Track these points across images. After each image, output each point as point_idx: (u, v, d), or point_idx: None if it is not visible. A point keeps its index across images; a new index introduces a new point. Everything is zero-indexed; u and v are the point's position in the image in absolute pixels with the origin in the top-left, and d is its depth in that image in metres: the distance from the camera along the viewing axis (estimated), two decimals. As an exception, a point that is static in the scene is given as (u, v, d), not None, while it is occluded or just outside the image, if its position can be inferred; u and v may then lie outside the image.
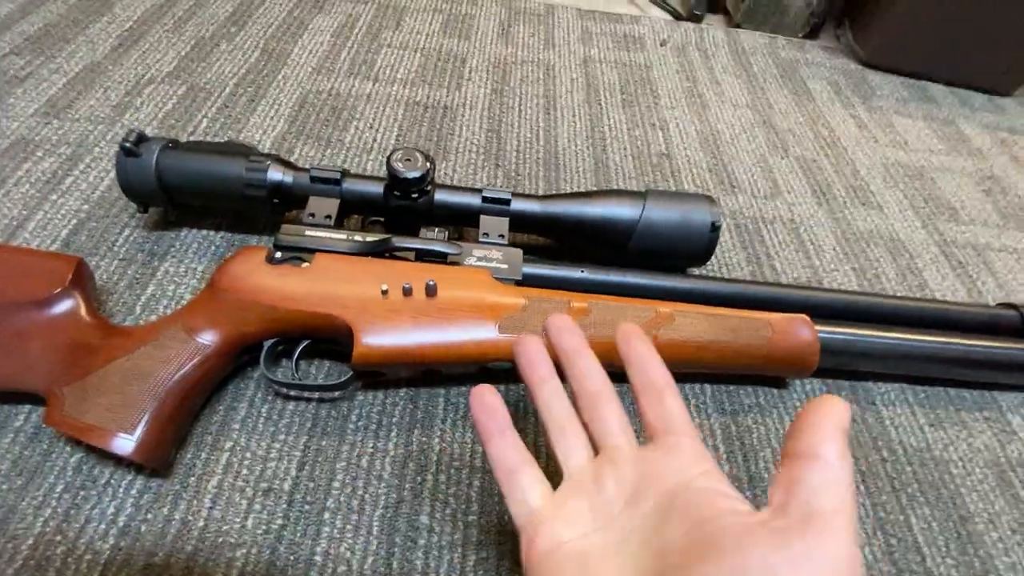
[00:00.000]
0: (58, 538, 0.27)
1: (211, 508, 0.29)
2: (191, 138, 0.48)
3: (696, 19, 0.77)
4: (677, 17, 0.77)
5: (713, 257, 0.46)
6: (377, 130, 0.52)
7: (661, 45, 0.71)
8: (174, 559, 0.27)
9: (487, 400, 0.25)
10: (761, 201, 0.52)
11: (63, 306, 0.31)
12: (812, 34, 0.79)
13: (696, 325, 0.35)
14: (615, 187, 0.51)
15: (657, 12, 0.78)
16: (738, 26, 0.78)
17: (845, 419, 0.19)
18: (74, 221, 0.40)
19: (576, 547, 0.21)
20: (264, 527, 0.28)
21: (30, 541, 0.27)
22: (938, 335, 0.39)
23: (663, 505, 0.20)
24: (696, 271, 0.44)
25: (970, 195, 0.58)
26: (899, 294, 0.46)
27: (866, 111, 0.67)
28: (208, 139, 0.48)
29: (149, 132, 0.45)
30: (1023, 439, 0.38)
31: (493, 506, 0.31)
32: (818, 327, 0.36)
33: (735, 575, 0.17)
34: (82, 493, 0.29)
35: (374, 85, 0.57)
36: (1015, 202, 0.59)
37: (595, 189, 0.48)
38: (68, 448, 0.30)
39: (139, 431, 0.28)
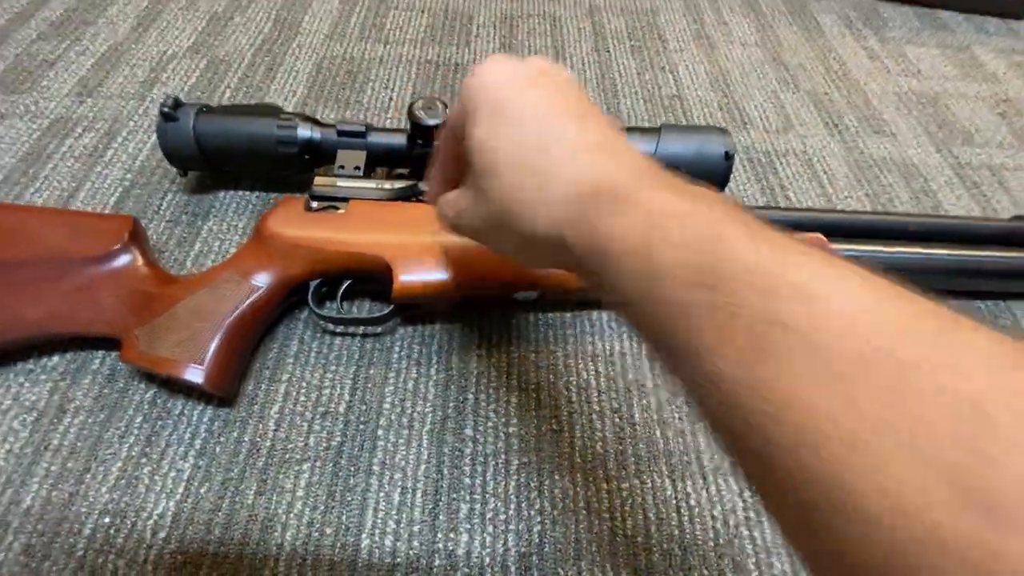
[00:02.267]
0: (143, 460, 0.30)
1: (275, 430, 0.32)
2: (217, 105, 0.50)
3: (701, -39, 0.76)
4: (681, -39, 0.76)
5: (728, 191, 0.47)
6: (392, 89, 0.53)
7: (666, -10, 0.71)
8: (248, 473, 0.30)
9: None
10: (773, 135, 0.53)
11: (124, 259, 0.34)
12: (821, -31, 0.78)
13: (713, 248, 0.37)
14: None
15: (661, -43, 0.77)
16: (744, -34, 0.76)
17: None
18: (120, 189, 0.43)
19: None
20: (325, 444, 0.31)
21: (119, 464, 0.30)
22: (950, 248, 0.40)
23: None
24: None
25: (985, 119, 0.58)
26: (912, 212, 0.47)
27: (878, 42, 0.67)
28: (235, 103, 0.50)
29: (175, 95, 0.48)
30: (1038, 343, 0.39)
31: (531, 419, 0.33)
32: (833, 245, 0.37)
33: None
34: (159, 422, 0.32)
35: (385, 47, 0.58)
36: (1032, 123, 0.58)
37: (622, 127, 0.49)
38: (143, 386, 0.33)
39: (207, 361, 0.30)
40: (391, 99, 0.52)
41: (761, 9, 0.69)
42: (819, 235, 0.38)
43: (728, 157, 0.40)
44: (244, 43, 0.56)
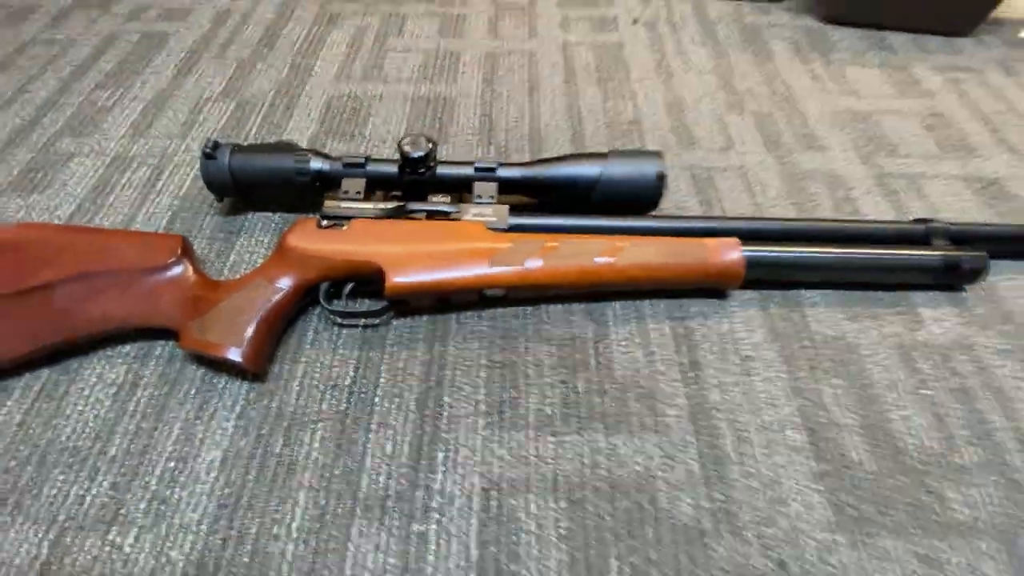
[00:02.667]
0: (197, 421, 0.40)
1: (296, 399, 0.41)
2: (246, 142, 0.60)
3: (666, -4, 0.84)
4: (649, -4, 0.85)
5: (671, 203, 0.56)
6: (390, 123, 0.63)
7: (633, 23, 0.80)
8: (275, 430, 0.39)
9: None
10: (715, 154, 0.61)
11: (178, 270, 0.43)
12: (778, -3, 0.86)
13: (644, 251, 0.45)
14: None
15: (631, -7, 0.86)
16: (706, -2, 0.85)
17: None
18: (169, 213, 0.53)
19: None
20: (334, 409, 0.40)
21: (179, 424, 0.40)
22: (851, 248, 0.47)
23: None
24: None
25: (913, 132, 0.66)
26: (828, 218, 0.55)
27: (823, 65, 0.74)
28: (260, 142, 0.60)
29: (214, 137, 0.58)
30: (926, 324, 0.47)
31: (495, 389, 0.42)
32: (746, 248, 0.46)
33: None
34: (208, 393, 0.41)
35: (384, 86, 0.68)
36: (955, 135, 0.65)
37: (573, 153, 0.57)
38: (195, 366, 0.42)
39: (244, 345, 0.40)
40: (389, 131, 0.62)
41: (718, 38, 0.78)
42: (734, 239, 0.46)
43: (660, 178, 0.48)
44: (266, 86, 0.67)
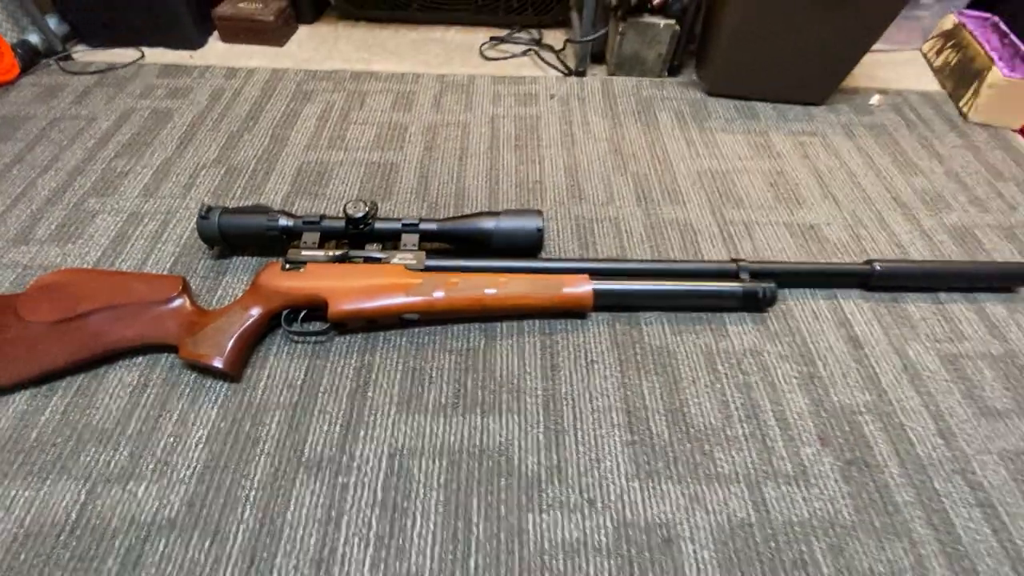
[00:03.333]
0: (189, 410, 0.56)
1: (262, 394, 0.57)
2: (233, 201, 0.77)
3: (581, 74, 1.04)
4: (567, 74, 1.05)
5: (556, 247, 0.73)
6: (348, 185, 0.80)
7: (551, 99, 0.99)
8: (245, 415, 0.55)
9: None
10: (598, 207, 0.79)
11: (178, 302, 0.60)
12: (674, 72, 1.06)
13: (521, 285, 0.62)
14: (499, 208, 0.78)
15: (553, 71, 1.05)
16: (613, 74, 1.04)
17: None
18: (172, 258, 0.69)
19: None
20: (288, 401, 0.56)
21: (176, 412, 0.55)
22: (676, 281, 0.65)
23: None
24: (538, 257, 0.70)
25: (758, 187, 0.84)
26: (672, 258, 0.72)
27: (698, 132, 0.93)
28: (243, 202, 0.77)
29: (207, 201, 0.75)
30: (730, 337, 0.64)
31: (407, 388, 0.58)
32: (595, 282, 0.63)
33: None
34: (199, 390, 0.57)
35: (344, 153, 0.85)
36: (792, 189, 0.84)
37: (476, 211, 0.75)
38: (190, 375, 0.58)
39: (225, 355, 0.56)
40: (346, 191, 0.79)
41: (618, 111, 0.97)
42: (585, 275, 0.63)
43: (539, 231, 0.66)
44: (250, 154, 0.84)
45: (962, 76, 1.00)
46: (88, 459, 0.52)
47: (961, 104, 0.99)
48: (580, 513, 0.50)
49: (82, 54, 1.03)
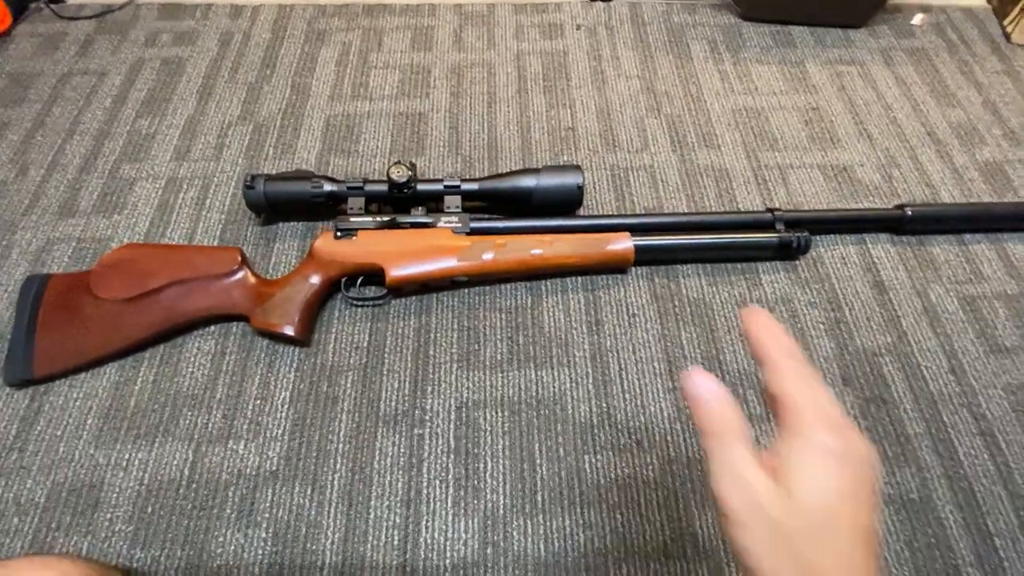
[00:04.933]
0: (269, 374, 0.61)
1: (332, 356, 0.62)
2: (267, 162, 0.77)
3: (606, -1, 0.97)
4: (592, -2, 0.98)
5: (593, 201, 0.74)
6: (379, 139, 0.79)
7: (577, 29, 0.93)
8: (320, 378, 0.60)
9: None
10: (632, 155, 0.79)
11: (241, 274, 0.63)
12: (706, -7, 0.99)
13: (566, 244, 0.64)
14: (534, 161, 0.78)
15: (576, -4, 0.98)
16: (642, -2, 0.98)
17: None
18: (220, 226, 0.71)
19: None
20: (357, 362, 0.61)
21: (258, 377, 0.61)
22: (713, 234, 0.67)
23: None
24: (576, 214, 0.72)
25: (793, 126, 0.83)
26: (712, 209, 0.74)
27: (732, 64, 0.90)
28: (277, 162, 0.77)
29: (239, 163, 0.75)
30: (763, 286, 0.67)
31: (464, 345, 0.63)
32: (635, 238, 0.65)
33: None
34: (274, 356, 0.62)
35: (370, 104, 0.83)
36: (827, 127, 0.83)
37: (515, 169, 0.75)
38: (262, 341, 0.63)
39: (295, 323, 0.60)
40: (378, 147, 0.79)
41: (648, 42, 0.92)
42: (626, 233, 0.65)
43: (579, 188, 0.67)
44: (274, 108, 0.82)
45: (1013, -10, 0.94)
46: (187, 422, 0.58)
47: (1006, 22, 0.94)
48: (630, 453, 0.57)
49: (71, -7, 0.96)
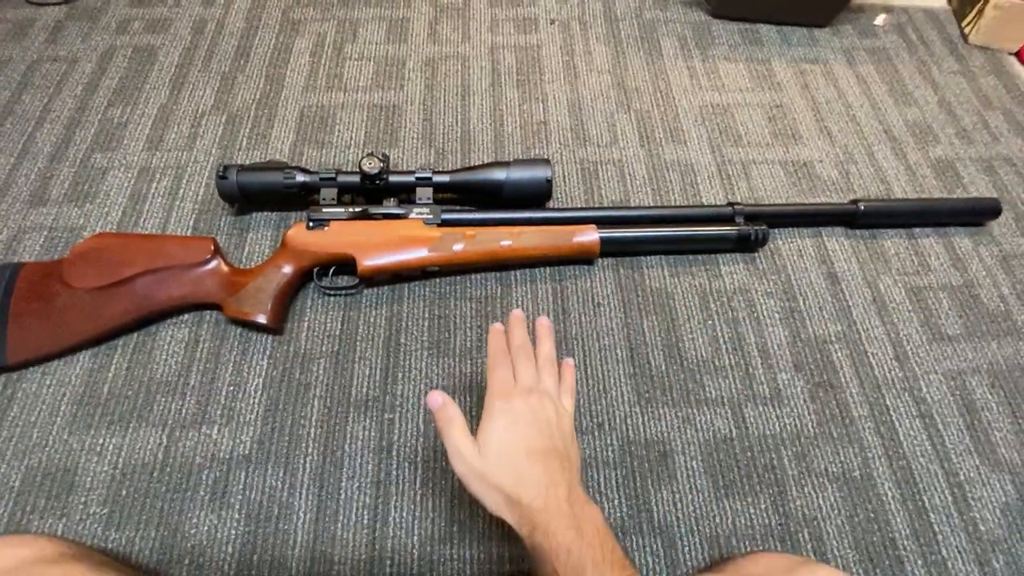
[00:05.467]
0: (242, 362, 0.62)
1: (305, 344, 0.63)
2: (240, 153, 0.77)
3: (581, -7, 0.99)
4: (567, -7, 0.99)
5: (563, 193, 0.76)
6: (353, 131, 0.80)
7: (551, 24, 0.95)
8: (293, 365, 0.62)
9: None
10: (602, 149, 0.81)
11: (214, 263, 0.64)
12: (678, -11, 1.01)
13: (534, 236, 0.67)
14: (506, 154, 0.80)
15: (551, -10, 0.99)
16: (615, -7, 0.99)
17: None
18: (193, 216, 0.72)
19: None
20: (330, 349, 0.63)
21: (231, 364, 0.62)
22: (675, 227, 0.70)
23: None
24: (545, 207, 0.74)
25: (757, 122, 0.86)
26: (677, 203, 0.76)
27: (701, 61, 0.92)
28: (251, 153, 0.77)
29: (213, 152, 0.76)
30: (723, 276, 0.70)
31: (434, 334, 0.64)
32: (601, 231, 0.67)
33: None
34: (247, 344, 0.63)
35: (345, 95, 0.84)
36: (789, 124, 0.86)
37: (486, 162, 0.77)
38: (236, 329, 0.64)
39: (267, 311, 0.61)
40: (352, 138, 0.80)
41: (620, 37, 0.94)
42: (592, 225, 0.67)
43: (548, 181, 0.69)
44: (249, 98, 0.83)
45: (970, -7, 0.97)
46: (161, 408, 0.59)
47: (964, 24, 0.98)
48: (591, 435, 0.60)
49: (40, -22, 0.95)
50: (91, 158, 0.76)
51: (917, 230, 0.76)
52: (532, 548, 0.39)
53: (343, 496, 0.56)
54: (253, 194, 0.68)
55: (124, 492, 0.55)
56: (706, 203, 0.76)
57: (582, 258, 0.70)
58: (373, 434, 0.59)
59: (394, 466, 0.57)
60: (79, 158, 0.76)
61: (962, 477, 0.59)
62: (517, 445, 0.42)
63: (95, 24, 0.90)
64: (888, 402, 0.63)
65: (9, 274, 0.62)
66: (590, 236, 0.67)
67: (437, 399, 0.45)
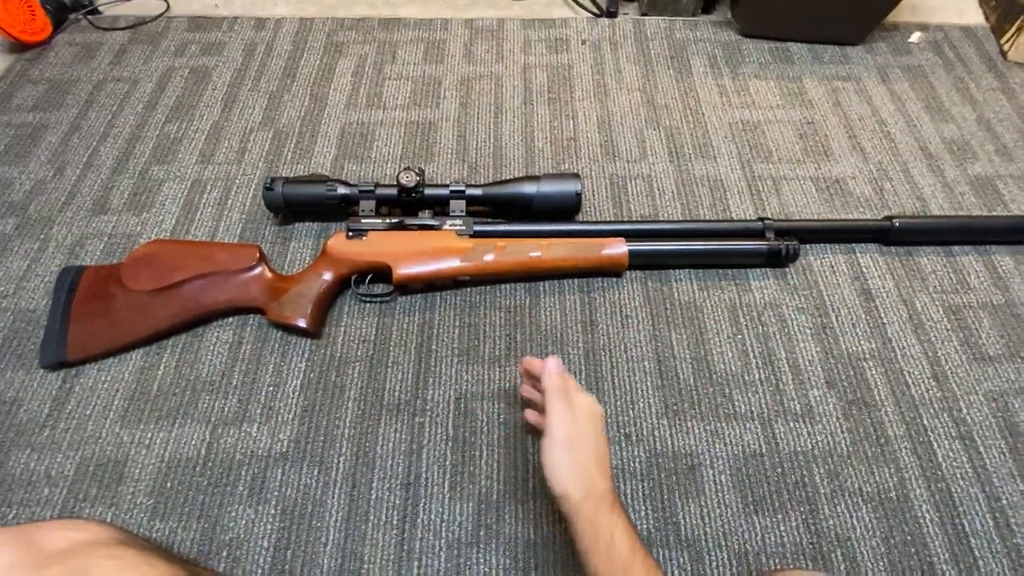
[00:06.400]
0: (282, 363, 0.65)
1: (341, 348, 0.66)
2: (285, 166, 0.82)
3: (612, 15, 1.01)
4: (598, 14, 1.02)
5: (592, 207, 0.78)
6: (391, 147, 0.84)
7: (582, 44, 0.98)
8: (330, 367, 0.64)
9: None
10: (631, 164, 0.82)
11: (258, 269, 0.67)
12: (708, 9, 1.03)
13: (563, 248, 0.68)
14: (537, 169, 0.82)
15: (584, 12, 1.03)
16: (646, 14, 1.02)
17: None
18: (240, 226, 0.76)
19: None
20: (364, 354, 0.65)
21: (271, 365, 0.65)
22: (705, 241, 0.70)
23: None
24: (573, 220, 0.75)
25: (788, 139, 0.86)
26: (706, 218, 0.77)
27: (731, 79, 0.93)
28: (295, 167, 0.82)
29: (259, 166, 0.80)
30: (753, 291, 0.70)
31: (464, 341, 0.66)
32: (630, 244, 0.68)
33: None
34: (286, 346, 0.66)
35: (383, 112, 0.88)
36: (821, 141, 0.86)
37: (517, 176, 0.79)
38: (277, 333, 0.67)
39: (307, 316, 0.64)
40: (389, 153, 0.83)
41: (650, 57, 0.96)
42: (621, 238, 0.68)
43: (577, 195, 0.71)
44: (294, 116, 0.87)
45: (1008, 10, 0.96)
46: (205, 406, 0.63)
47: (1003, 41, 0.96)
48: (618, 445, 0.60)
49: (108, 6, 1.03)
50: (149, 170, 0.81)
51: (955, 248, 0.74)
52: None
53: (374, 496, 0.57)
54: (297, 205, 0.72)
55: (169, 484, 0.58)
56: (736, 218, 0.77)
57: (611, 270, 0.71)
58: (404, 436, 0.60)
59: (423, 469, 0.59)
60: (138, 170, 0.81)
61: (1004, 502, 0.57)
62: (575, 436, 0.48)
63: (156, 47, 0.97)
64: (926, 422, 0.62)
65: (72, 277, 0.66)
66: (619, 248, 0.68)
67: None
